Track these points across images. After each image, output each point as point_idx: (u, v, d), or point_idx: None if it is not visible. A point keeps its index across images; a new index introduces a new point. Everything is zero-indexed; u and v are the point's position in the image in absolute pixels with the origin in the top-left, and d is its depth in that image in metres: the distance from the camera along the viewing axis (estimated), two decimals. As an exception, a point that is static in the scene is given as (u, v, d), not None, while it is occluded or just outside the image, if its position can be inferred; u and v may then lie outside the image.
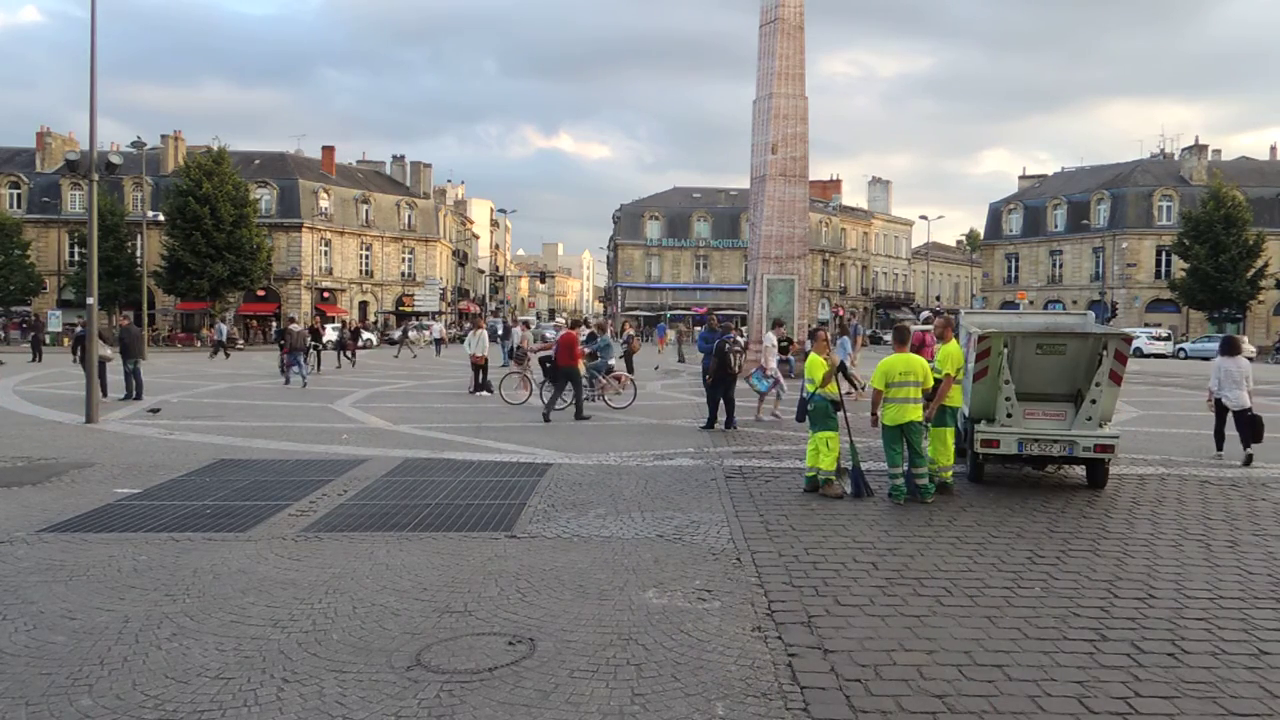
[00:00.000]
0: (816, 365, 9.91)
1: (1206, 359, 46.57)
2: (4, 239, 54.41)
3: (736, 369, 14.93)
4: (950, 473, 9.88)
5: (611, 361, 18.62)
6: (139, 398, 19.03)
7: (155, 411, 16.95)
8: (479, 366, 21.47)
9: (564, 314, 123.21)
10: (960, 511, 8.99)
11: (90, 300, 16.70)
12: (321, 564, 6.94)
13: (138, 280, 50.27)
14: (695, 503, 9.26)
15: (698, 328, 59.00)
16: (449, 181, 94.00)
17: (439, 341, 46.47)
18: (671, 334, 49.19)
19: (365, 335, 38.83)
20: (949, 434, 9.85)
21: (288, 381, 24.38)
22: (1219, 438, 12.81)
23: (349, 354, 34.30)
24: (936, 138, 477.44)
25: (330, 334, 38.73)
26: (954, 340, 10.43)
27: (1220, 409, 12.67)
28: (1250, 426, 12.14)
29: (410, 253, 72.95)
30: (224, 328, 42.86)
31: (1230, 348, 12.94)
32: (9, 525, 8.10)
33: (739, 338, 16.70)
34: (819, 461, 9.69)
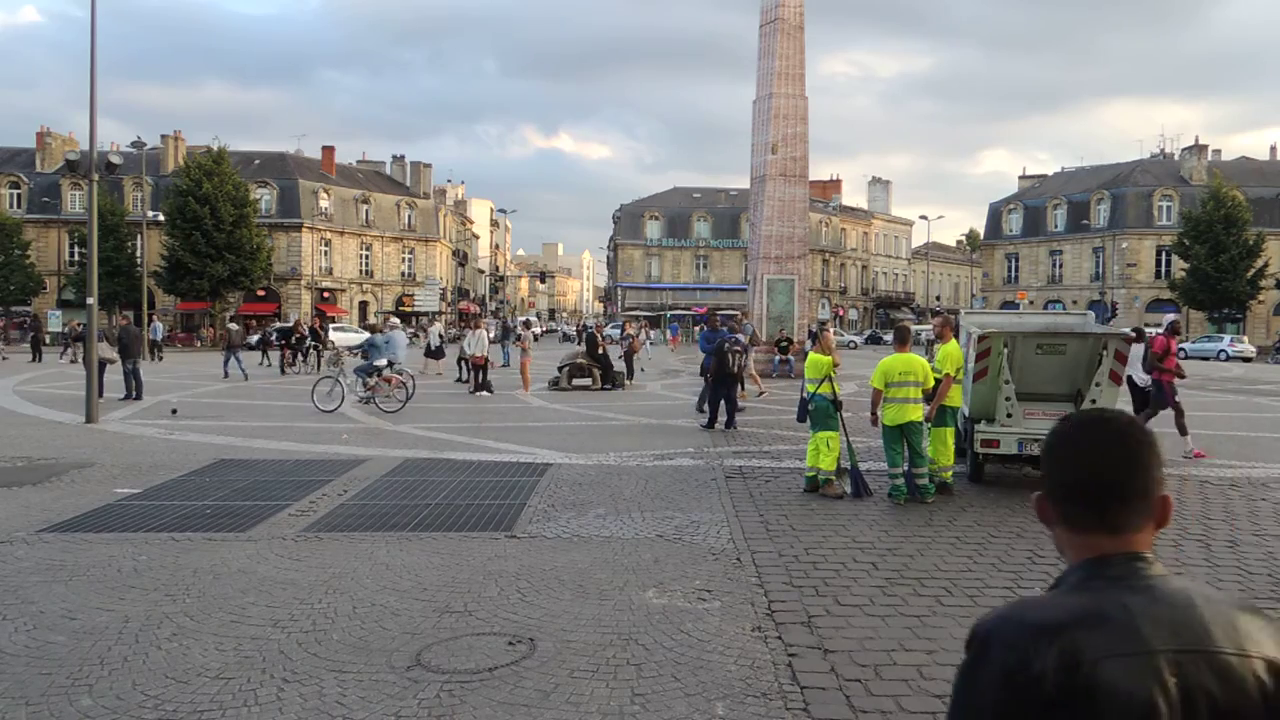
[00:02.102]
0: (819, 362, 9.91)
1: (1206, 359, 46.63)
2: (4, 239, 54.39)
3: (735, 369, 14.95)
4: (950, 473, 9.87)
5: (381, 363, 18.10)
6: (139, 398, 19.03)
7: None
8: (479, 366, 21.51)
9: (564, 313, 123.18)
10: (960, 511, 8.99)
11: (90, 300, 16.70)
12: (321, 564, 6.94)
13: (138, 280, 50.22)
14: (695, 503, 9.26)
15: (696, 328, 59.15)
16: (449, 181, 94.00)
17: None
18: (646, 334, 43.20)
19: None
20: (949, 434, 9.85)
21: (226, 375, 25.73)
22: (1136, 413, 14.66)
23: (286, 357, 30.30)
24: (936, 138, 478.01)
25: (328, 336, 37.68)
26: (953, 340, 10.43)
27: (1133, 386, 14.66)
28: (1145, 400, 14.38)
29: (410, 253, 72.93)
30: (160, 326, 40.37)
31: (1139, 336, 15.36)
32: (9, 525, 8.10)
33: (741, 337, 16.70)
34: (819, 461, 9.68)
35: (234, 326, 28.96)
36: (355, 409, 18.07)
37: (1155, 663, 1.29)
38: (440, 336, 29.87)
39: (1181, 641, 1.31)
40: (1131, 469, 1.44)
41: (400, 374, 18.31)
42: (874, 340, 67.16)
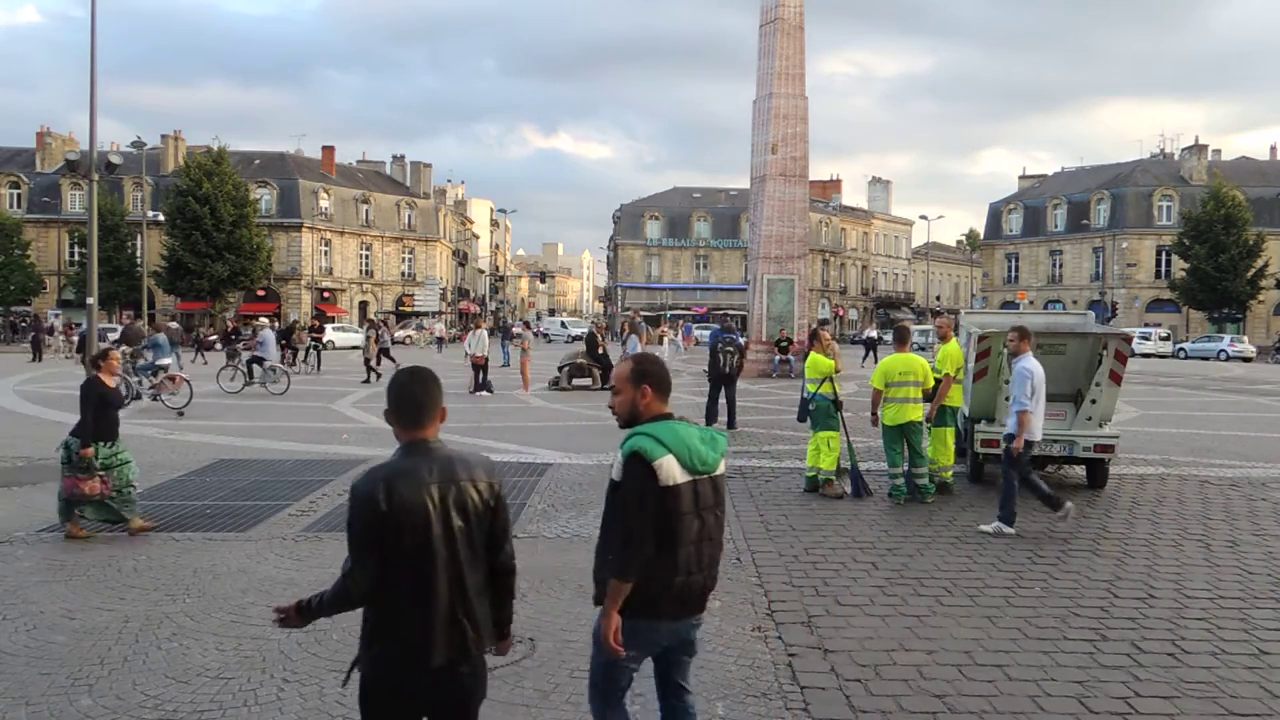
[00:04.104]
0: (820, 363, 9.91)
1: (1206, 359, 46.63)
2: (4, 239, 54.35)
3: (726, 369, 14.93)
4: (950, 473, 9.88)
5: (165, 361, 18.55)
6: (139, 397, 19.03)
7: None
8: (479, 366, 21.51)
9: (563, 313, 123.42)
10: (960, 511, 8.99)
11: (90, 300, 16.74)
12: (321, 564, 6.94)
13: (138, 280, 50.22)
14: (695, 503, 9.24)
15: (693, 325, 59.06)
16: (449, 181, 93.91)
17: (440, 340, 47.17)
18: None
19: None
20: (949, 434, 9.85)
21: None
22: None
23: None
24: (936, 138, 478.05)
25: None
26: (953, 340, 10.43)
27: None
28: None
29: (410, 253, 72.92)
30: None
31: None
32: (9, 525, 8.10)
33: (735, 336, 16.62)
34: (819, 461, 9.68)
35: (174, 324, 28.64)
36: (355, 409, 18.07)
37: (429, 489, 2.80)
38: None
39: (442, 477, 2.84)
40: (430, 397, 2.95)
41: (183, 371, 19.31)
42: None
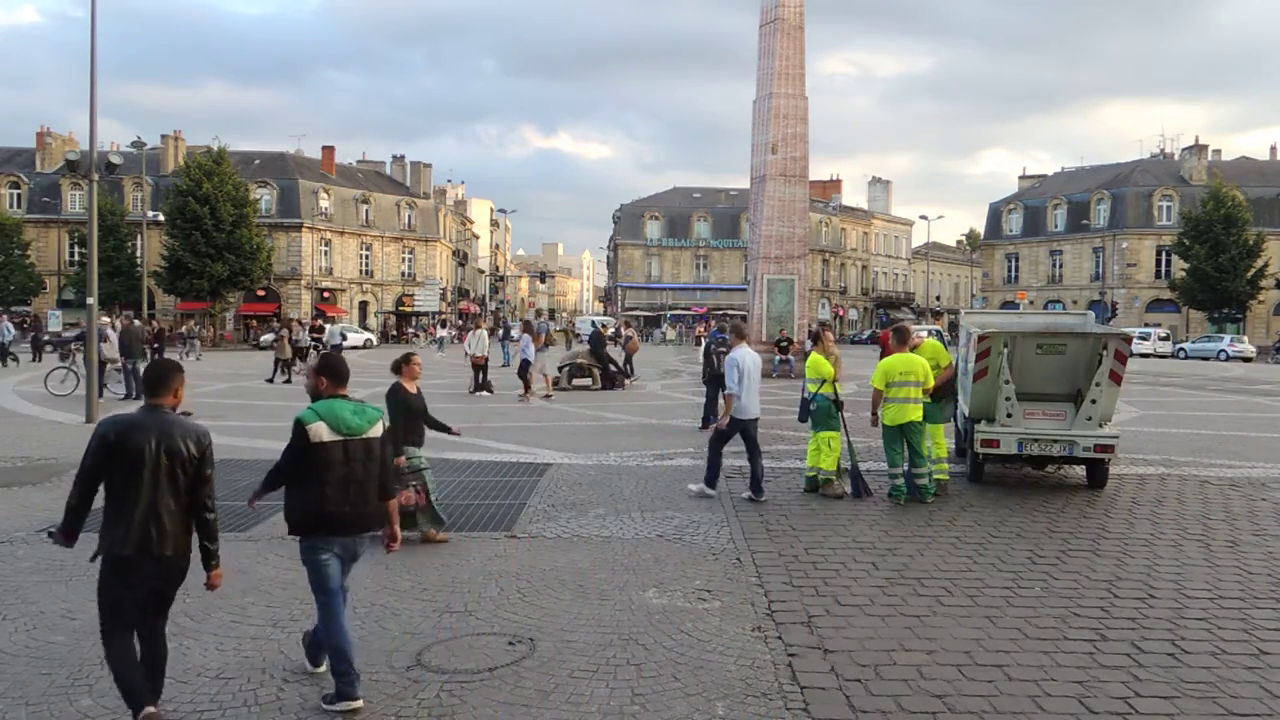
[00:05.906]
0: (820, 365, 9.90)
1: (1206, 359, 46.59)
2: (4, 239, 54.34)
3: (719, 369, 14.96)
4: (945, 465, 9.89)
5: None
6: (138, 397, 19.01)
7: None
8: (479, 366, 21.51)
9: (565, 313, 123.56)
10: (960, 511, 8.99)
11: (90, 300, 16.71)
12: (321, 564, 6.92)
13: (138, 280, 50.20)
14: (695, 503, 9.26)
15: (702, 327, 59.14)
16: (449, 181, 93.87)
17: (440, 340, 47.34)
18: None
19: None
20: (939, 430, 9.88)
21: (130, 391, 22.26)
22: None
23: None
24: (936, 138, 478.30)
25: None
26: (925, 343, 10.50)
27: None
28: None
29: (410, 253, 72.88)
30: (9, 328, 32.54)
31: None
32: (9, 525, 8.10)
33: (728, 337, 16.65)
34: (819, 461, 9.68)
35: (137, 323, 25.60)
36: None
37: (149, 436, 4.15)
38: (342, 335, 29.59)
39: (160, 430, 4.19)
40: (169, 379, 4.37)
41: None
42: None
